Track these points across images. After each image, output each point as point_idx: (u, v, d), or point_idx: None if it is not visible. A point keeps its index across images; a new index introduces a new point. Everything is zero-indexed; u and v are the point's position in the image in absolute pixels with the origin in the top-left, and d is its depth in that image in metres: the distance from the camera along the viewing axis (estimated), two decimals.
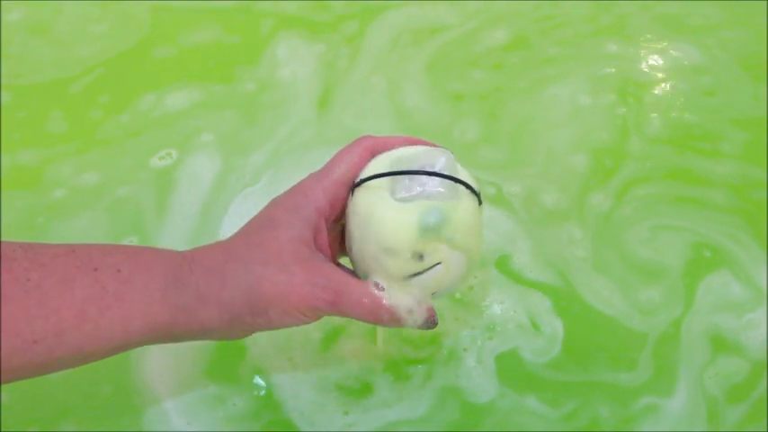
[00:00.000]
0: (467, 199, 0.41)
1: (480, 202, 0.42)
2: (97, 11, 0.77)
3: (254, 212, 0.43)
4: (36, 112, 0.69)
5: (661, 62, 0.72)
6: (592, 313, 0.54)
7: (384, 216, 0.39)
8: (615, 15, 0.75)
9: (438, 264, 0.40)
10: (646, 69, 0.71)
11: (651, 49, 0.73)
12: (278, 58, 0.73)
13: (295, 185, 0.43)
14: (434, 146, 0.43)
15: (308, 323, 0.41)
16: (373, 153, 0.43)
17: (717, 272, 0.56)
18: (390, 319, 0.41)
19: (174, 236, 0.60)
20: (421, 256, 0.40)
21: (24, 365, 0.34)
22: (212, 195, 0.62)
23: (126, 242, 0.60)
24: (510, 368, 0.51)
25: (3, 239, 0.36)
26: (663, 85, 0.70)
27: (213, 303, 0.38)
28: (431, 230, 0.39)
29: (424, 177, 0.39)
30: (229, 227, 0.60)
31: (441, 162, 0.40)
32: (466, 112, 0.68)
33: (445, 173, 0.40)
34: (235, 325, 0.39)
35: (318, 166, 0.43)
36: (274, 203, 0.42)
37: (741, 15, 0.74)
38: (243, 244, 0.40)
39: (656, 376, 0.51)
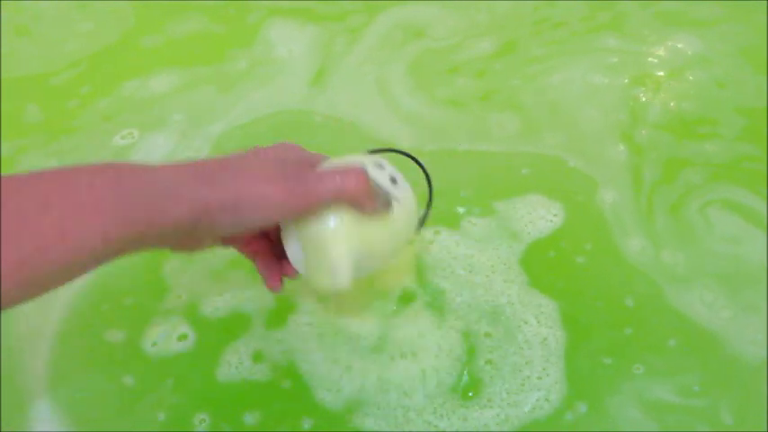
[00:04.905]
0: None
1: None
2: (79, 11, 0.77)
3: None
4: (15, 104, 0.68)
5: (662, 53, 0.69)
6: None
7: None
8: (614, 13, 0.73)
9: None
10: (646, 61, 0.69)
11: (651, 42, 0.70)
12: (271, 40, 0.72)
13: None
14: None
15: (275, 223, 0.44)
16: None
17: None
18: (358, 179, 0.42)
19: None
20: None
21: (14, 286, 0.35)
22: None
23: None
24: None
25: None
26: (665, 75, 0.68)
27: (185, 201, 0.39)
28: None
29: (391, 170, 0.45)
30: None
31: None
32: (484, 111, 0.65)
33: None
34: (199, 225, 0.40)
35: None
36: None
37: (740, 13, 0.72)
38: (238, 157, 0.42)
39: None
